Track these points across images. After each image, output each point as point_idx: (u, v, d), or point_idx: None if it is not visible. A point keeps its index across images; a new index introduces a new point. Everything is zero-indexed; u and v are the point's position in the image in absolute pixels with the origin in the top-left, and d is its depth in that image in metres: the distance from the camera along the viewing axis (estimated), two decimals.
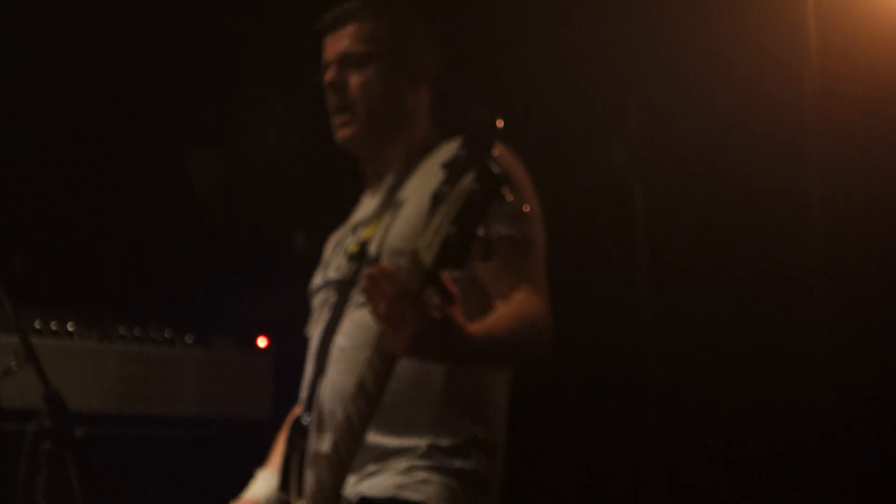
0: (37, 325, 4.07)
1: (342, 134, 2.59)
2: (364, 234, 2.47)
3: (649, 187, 4.17)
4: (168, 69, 4.88)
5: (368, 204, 2.61)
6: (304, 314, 2.66)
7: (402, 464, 2.30)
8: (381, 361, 2.01)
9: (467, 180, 1.76)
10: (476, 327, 2.06)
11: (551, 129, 4.28)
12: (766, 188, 3.91)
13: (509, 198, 1.78)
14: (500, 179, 1.76)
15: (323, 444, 2.34)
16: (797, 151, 3.82)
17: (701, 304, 4.04)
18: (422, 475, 2.28)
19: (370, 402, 2.04)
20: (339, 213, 2.77)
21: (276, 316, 4.30)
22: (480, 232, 1.78)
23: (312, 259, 2.73)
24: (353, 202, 2.73)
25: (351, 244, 2.48)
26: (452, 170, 1.81)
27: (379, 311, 1.91)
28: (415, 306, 1.87)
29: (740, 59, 3.93)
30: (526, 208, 2.35)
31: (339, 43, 2.59)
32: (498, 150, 1.79)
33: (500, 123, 1.81)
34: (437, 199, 1.83)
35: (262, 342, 4.44)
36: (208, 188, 5.04)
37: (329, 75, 2.59)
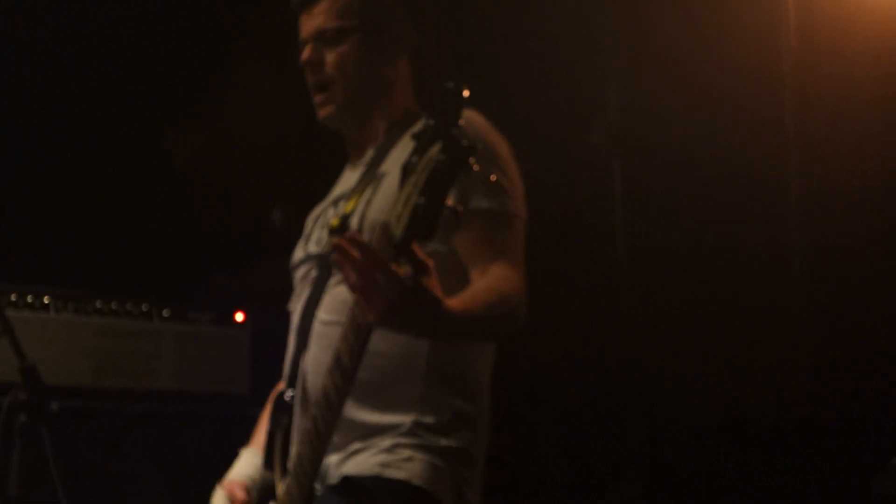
0: (13, 297, 4.06)
1: (323, 113, 2.57)
2: (345, 207, 2.45)
3: (628, 164, 4.19)
4: (149, 44, 4.86)
5: (350, 177, 2.59)
6: (282, 289, 2.64)
7: (387, 441, 2.29)
8: (354, 334, 2.00)
9: (434, 151, 1.76)
10: (452, 301, 2.04)
11: (531, 106, 4.27)
12: (744, 165, 3.92)
13: (476, 167, 1.77)
14: (467, 150, 1.76)
15: (307, 419, 2.31)
16: (776, 128, 3.83)
17: (679, 283, 4.05)
18: (406, 453, 2.28)
19: (345, 375, 2.04)
20: (319, 187, 2.76)
21: (254, 290, 4.29)
22: (449, 202, 1.78)
23: (291, 233, 2.72)
24: (332, 176, 2.72)
25: (332, 218, 2.47)
26: (420, 141, 1.81)
27: (350, 280, 1.90)
28: (385, 274, 1.86)
29: (719, 36, 3.93)
30: (504, 181, 2.34)
31: (313, 20, 2.57)
32: (465, 121, 1.78)
33: (466, 94, 1.80)
34: (406, 171, 1.83)
35: (239, 317, 4.41)
36: (187, 162, 5.02)
37: (305, 54, 2.57)
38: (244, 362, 4.32)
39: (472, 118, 2.36)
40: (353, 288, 1.92)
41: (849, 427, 3.63)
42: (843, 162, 3.70)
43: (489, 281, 2.23)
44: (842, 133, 3.70)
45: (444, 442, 2.30)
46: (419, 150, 1.80)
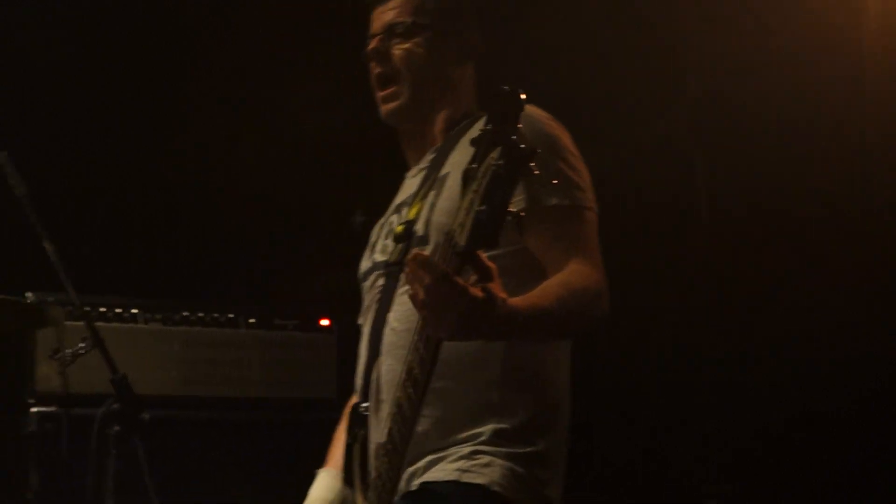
0: (102, 310, 4.12)
1: (387, 108, 2.54)
2: (409, 213, 2.42)
3: (709, 151, 4.12)
4: (225, 52, 4.92)
5: (411, 183, 2.55)
6: None
7: (466, 449, 2.26)
8: (424, 346, 1.97)
9: (493, 156, 1.73)
10: (519, 300, 2.01)
11: (609, 95, 4.25)
12: (828, 150, 3.84)
13: (536, 172, 1.74)
14: (526, 153, 1.73)
15: (382, 432, 2.26)
16: (858, 111, 3.75)
17: (763, 270, 3.98)
18: (485, 458, 2.24)
19: (418, 387, 2.00)
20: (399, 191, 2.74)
21: (338, 296, 4.32)
22: (511, 207, 1.75)
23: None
24: None
25: (396, 225, 2.43)
26: (479, 146, 1.78)
27: (418, 297, 1.88)
28: (454, 288, 1.83)
29: (798, 20, 3.86)
30: (571, 174, 2.29)
31: (385, 14, 2.56)
32: (524, 117, 1.76)
33: (523, 97, 1.77)
34: (466, 178, 1.80)
35: (324, 322, 4.45)
36: (270, 169, 5.06)
37: (372, 44, 2.55)
38: (331, 367, 4.34)
39: (531, 113, 2.32)
40: (419, 305, 1.89)
41: None
42: None
43: (562, 276, 2.19)
44: None
45: (523, 447, 2.27)
46: (479, 157, 1.78)
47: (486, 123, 1.78)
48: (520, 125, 1.75)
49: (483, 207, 1.73)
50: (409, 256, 1.88)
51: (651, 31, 4.20)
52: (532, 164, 1.74)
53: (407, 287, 2.09)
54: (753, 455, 3.99)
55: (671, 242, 4.21)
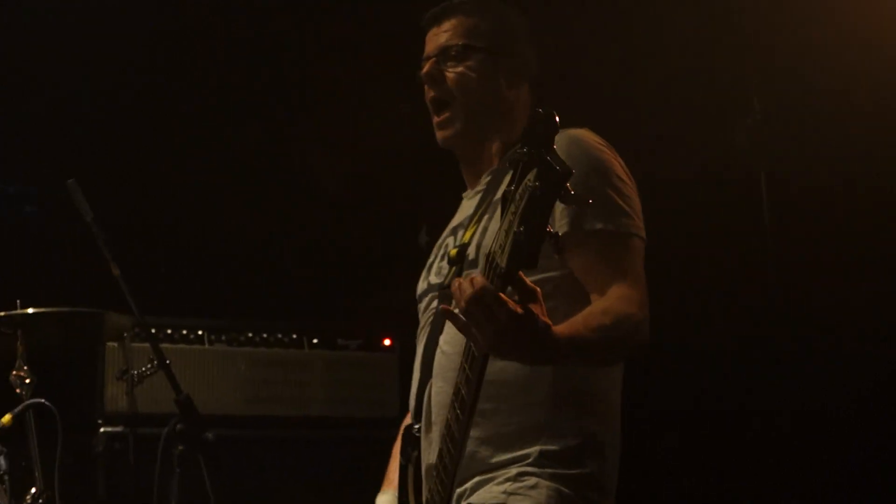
0: (168, 331, 4.21)
1: (442, 134, 2.54)
2: (463, 237, 2.42)
3: (773, 169, 4.03)
4: (291, 71, 4.97)
5: (468, 205, 2.56)
6: None
7: (513, 470, 2.25)
8: (470, 367, 1.97)
9: (530, 178, 1.74)
10: (562, 327, 2.01)
11: (673, 113, 4.22)
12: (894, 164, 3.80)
13: (571, 191, 1.73)
14: (562, 174, 1.72)
15: (433, 452, 2.28)
16: None
17: (831, 294, 3.93)
18: (531, 480, 2.22)
19: (465, 408, 2.00)
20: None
21: (401, 316, 4.34)
22: (549, 228, 1.75)
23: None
24: None
25: (451, 248, 2.43)
26: (516, 169, 1.78)
27: (460, 317, 1.89)
28: (495, 300, 1.83)
29: (862, 34, 3.82)
30: (619, 199, 2.28)
31: (439, 37, 2.55)
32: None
33: (556, 119, 1.77)
34: (505, 200, 1.81)
35: (386, 342, 4.49)
36: (333, 190, 5.10)
37: (426, 68, 2.54)
38: (393, 386, 4.37)
39: (585, 137, 2.33)
40: (460, 327, 1.91)
41: None
42: None
43: (605, 303, 2.18)
44: None
45: (570, 469, 2.24)
46: (516, 179, 1.78)
47: (522, 146, 1.79)
48: (555, 146, 1.75)
49: (521, 229, 1.74)
50: (454, 283, 1.89)
51: (718, 47, 4.17)
52: (568, 186, 1.73)
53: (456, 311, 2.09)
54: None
55: (738, 260, 4.17)
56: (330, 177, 5.01)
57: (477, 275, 1.87)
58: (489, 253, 1.84)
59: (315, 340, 4.40)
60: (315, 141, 4.94)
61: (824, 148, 4.00)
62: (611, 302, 2.17)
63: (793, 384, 3.83)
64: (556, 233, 1.76)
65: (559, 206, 2.14)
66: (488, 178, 2.51)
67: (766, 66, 4.14)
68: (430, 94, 2.55)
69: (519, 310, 1.85)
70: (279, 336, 4.37)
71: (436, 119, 2.54)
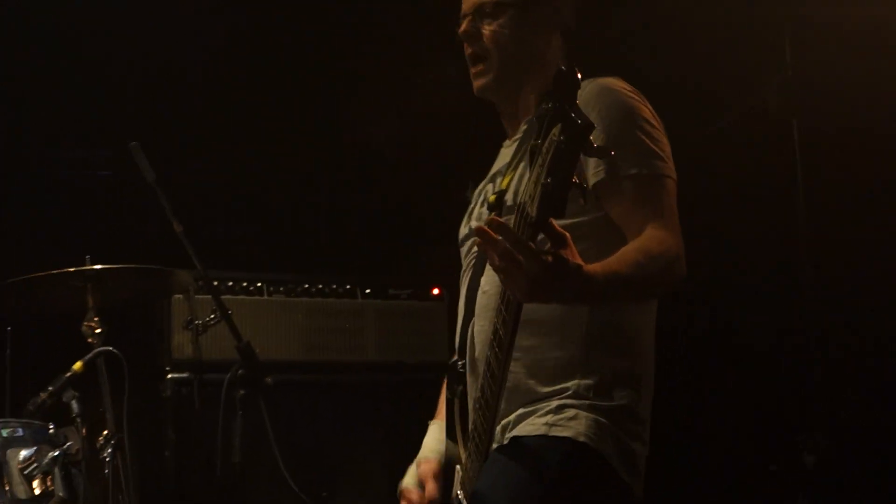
0: (230, 283, 4.38)
1: (478, 84, 2.66)
2: (502, 183, 2.52)
3: (805, 125, 4.06)
4: (340, 35, 5.10)
5: (506, 153, 2.67)
6: None
7: (553, 403, 2.37)
8: (506, 309, 2.09)
9: (555, 132, 1.85)
10: (598, 265, 2.11)
11: (705, 68, 4.26)
12: None
13: (595, 144, 1.85)
14: (585, 128, 1.83)
15: (476, 387, 2.38)
16: None
17: (864, 255, 3.97)
18: (571, 412, 2.35)
19: (503, 347, 2.12)
20: None
21: (448, 266, 4.48)
22: (575, 179, 1.86)
23: None
24: None
25: (490, 194, 2.55)
26: (542, 123, 1.89)
27: (493, 262, 2.00)
28: (525, 253, 1.94)
29: None
30: (649, 143, 2.38)
31: None
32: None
33: (578, 75, 1.88)
34: (532, 153, 1.92)
35: (435, 291, 4.65)
36: (385, 150, 5.21)
37: (463, 26, 2.66)
38: (442, 333, 4.52)
39: (613, 85, 2.44)
40: (496, 269, 2.01)
41: None
42: None
43: (639, 242, 2.28)
44: None
45: (608, 401, 2.37)
46: (542, 133, 1.89)
47: (546, 102, 1.90)
48: (578, 100, 1.87)
49: (549, 180, 1.85)
50: (485, 222, 2.00)
51: (747, 7, 4.19)
52: (591, 139, 1.85)
53: None
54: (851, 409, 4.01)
55: (767, 216, 4.22)
56: (382, 137, 5.11)
57: (505, 224, 1.97)
58: (520, 203, 1.96)
59: (368, 290, 4.57)
60: (368, 104, 5.04)
61: (858, 101, 4.02)
62: (646, 240, 2.28)
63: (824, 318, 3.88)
64: (582, 184, 1.87)
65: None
66: (524, 127, 2.63)
67: (797, 20, 4.13)
68: (468, 50, 2.68)
69: (548, 258, 1.96)
70: (334, 287, 4.53)
71: (472, 70, 2.67)
